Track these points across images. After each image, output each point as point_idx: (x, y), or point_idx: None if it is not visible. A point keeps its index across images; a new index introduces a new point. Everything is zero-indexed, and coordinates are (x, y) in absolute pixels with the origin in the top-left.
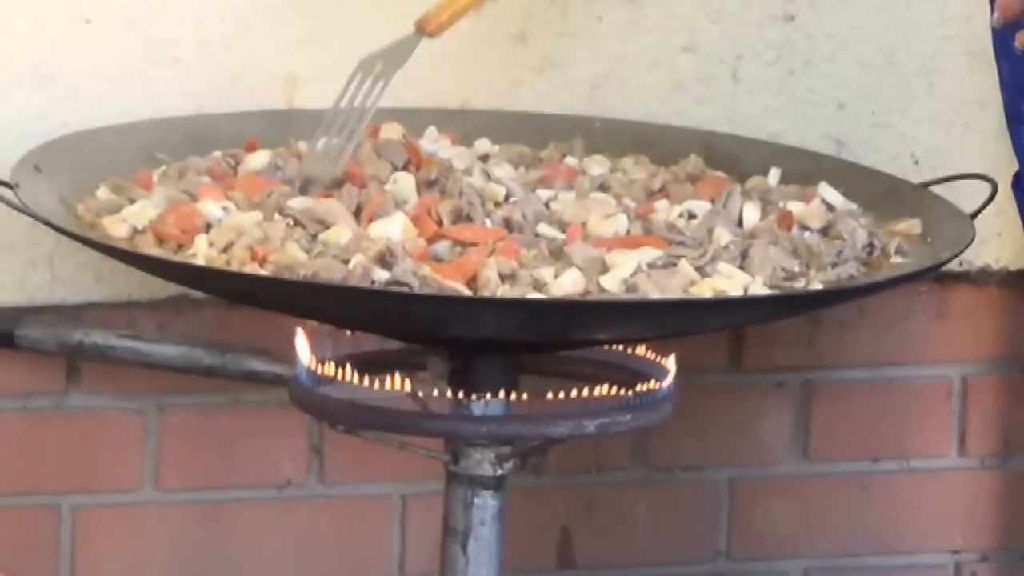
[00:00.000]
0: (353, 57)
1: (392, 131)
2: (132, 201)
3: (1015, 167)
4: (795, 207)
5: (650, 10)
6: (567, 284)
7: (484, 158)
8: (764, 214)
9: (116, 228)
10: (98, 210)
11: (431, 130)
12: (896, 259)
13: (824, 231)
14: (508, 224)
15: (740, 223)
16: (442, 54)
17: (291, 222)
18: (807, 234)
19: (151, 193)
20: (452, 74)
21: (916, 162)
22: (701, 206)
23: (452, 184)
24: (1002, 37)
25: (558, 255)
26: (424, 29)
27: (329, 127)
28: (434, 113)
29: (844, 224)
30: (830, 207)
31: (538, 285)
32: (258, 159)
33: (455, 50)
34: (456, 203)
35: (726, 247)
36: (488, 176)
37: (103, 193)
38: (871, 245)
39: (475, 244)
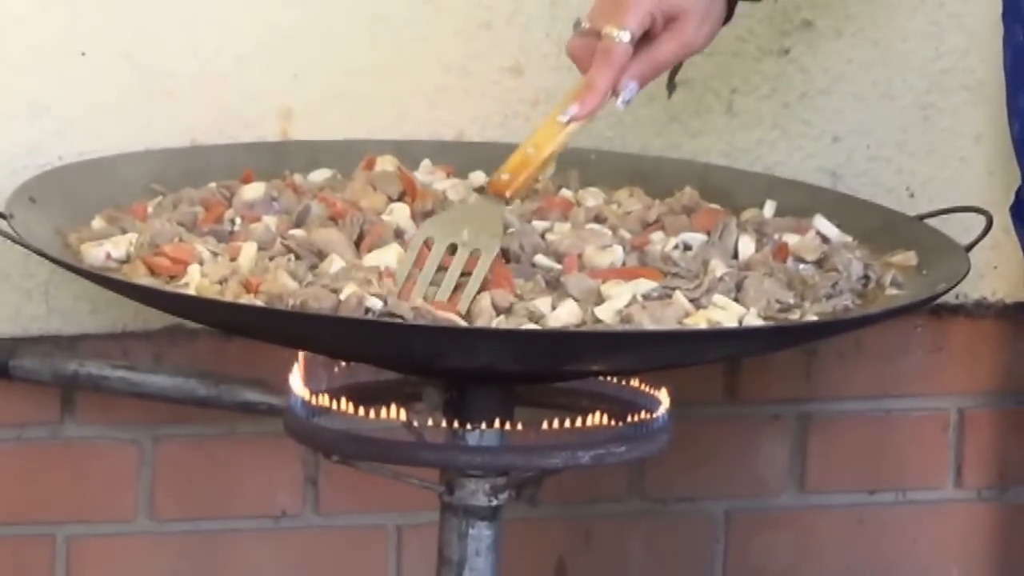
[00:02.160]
0: (348, 90)
1: (387, 163)
2: (124, 232)
3: (1011, 200)
4: (790, 239)
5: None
6: (564, 315)
7: (479, 190)
8: (759, 246)
9: (92, 253)
10: (88, 240)
11: (426, 162)
12: (891, 291)
13: (819, 263)
14: (505, 255)
15: (735, 255)
16: (437, 86)
17: (292, 257)
18: (802, 266)
19: (145, 225)
20: (447, 106)
21: (912, 195)
22: (696, 238)
23: None
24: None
25: (555, 286)
26: (503, 194)
27: (419, 287)
28: (429, 145)
29: (839, 256)
30: (825, 239)
31: (534, 317)
32: (253, 190)
33: (450, 82)
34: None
35: (721, 279)
36: None
37: (98, 224)
38: (867, 277)
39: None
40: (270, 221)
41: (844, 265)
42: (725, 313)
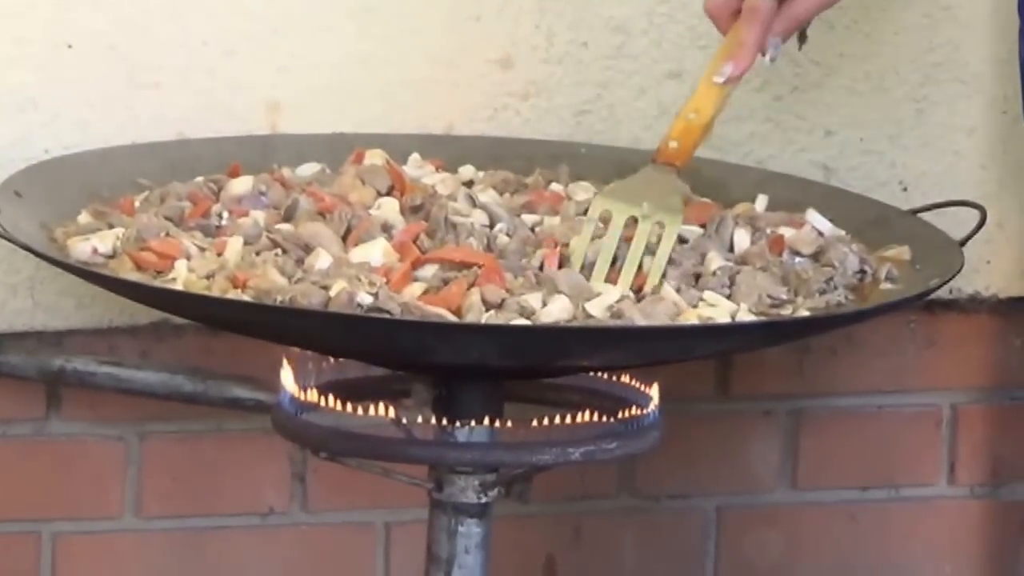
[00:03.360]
0: (336, 83)
1: (375, 157)
2: (111, 226)
3: (1004, 194)
4: (786, 232)
5: (636, 36)
6: (555, 311)
7: (468, 184)
8: (755, 239)
9: (78, 248)
10: (74, 235)
11: (415, 156)
12: (886, 286)
13: (815, 257)
14: (494, 249)
15: (732, 248)
16: (426, 80)
17: (278, 251)
18: (797, 260)
19: (132, 219)
20: (436, 100)
21: (904, 189)
22: (692, 231)
23: (437, 210)
24: None
25: (545, 281)
26: (674, 164)
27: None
28: (418, 139)
29: (835, 250)
30: (819, 233)
31: (525, 312)
32: (241, 184)
33: (439, 75)
34: (443, 234)
35: (715, 273)
36: (473, 202)
37: (84, 218)
38: (862, 271)
39: (466, 265)
40: (258, 216)
41: (840, 260)
42: (716, 310)
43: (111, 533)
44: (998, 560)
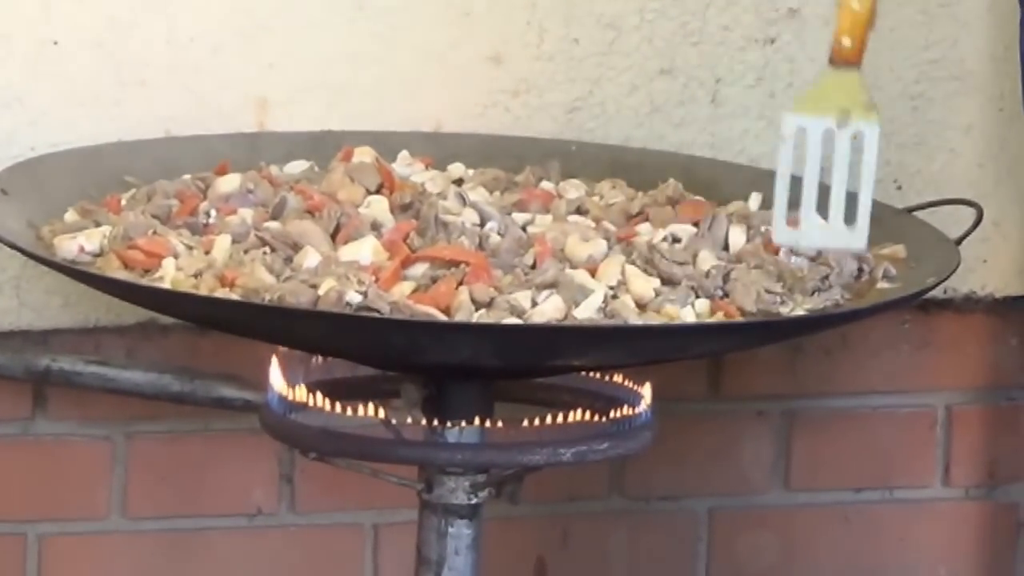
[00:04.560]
0: (324, 80)
1: (364, 155)
2: (98, 225)
3: (1001, 193)
4: None
5: (628, 32)
6: (548, 310)
7: (458, 182)
8: (748, 238)
9: (65, 246)
10: (61, 233)
11: (404, 154)
12: (882, 284)
13: (813, 257)
14: (486, 248)
15: (726, 247)
16: (415, 76)
17: (266, 249)
18: (795, 259)
19: (119, 217)
20: (426, 97)
21: (900, 187)
22: (686, 230)
23: (427, 209)
24: None
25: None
26: (852, 61)
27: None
28: (407, 136)
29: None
30: None
31: (516, 311)
32: (229, 182)
33: (429, 72)
34: (434, 233)
35: (708, 273)
36: (463, 200)
37: (71, 217)
38: (860, 270)
39: (456, 263)
40: (246, 214)
41: (837, 260)
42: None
43: (97, 534)
44: (993, 562)
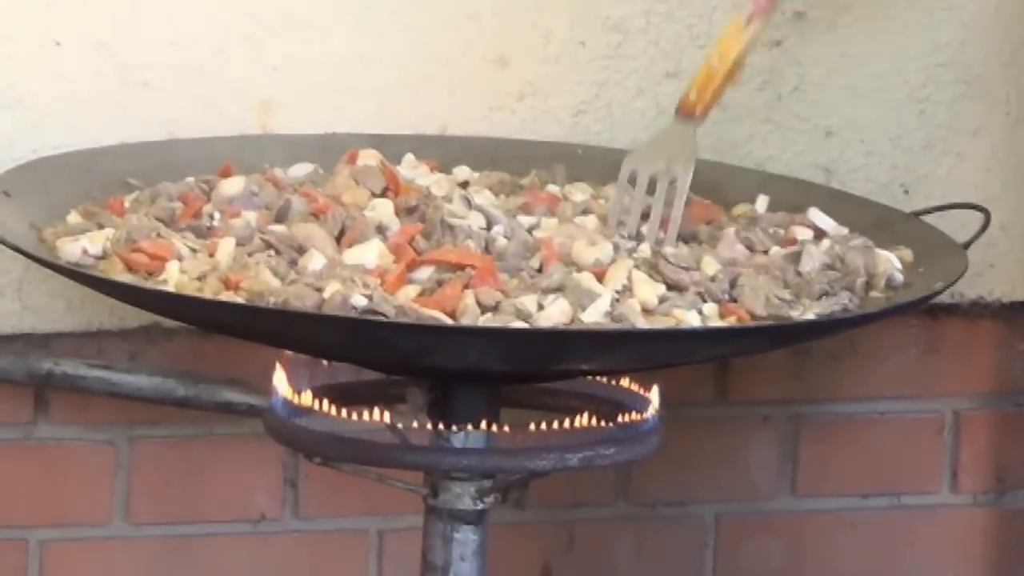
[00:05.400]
0: (329, 82)
1: (369, 157)
2: (101, 227)
3: (1008, 197)
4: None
5: (634, 35)
6: (554, 314)
7: (463, 185)
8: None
9: (68, 249)
10: (63, 235)
11: (409, 157)
12: (889, 291)
13: (831, 265)
14: (492, 251)
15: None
16: (421, 79)
17: (271, 252)
18: (803, 264)
19: (122, 220)
20: (431, 99)
21: (906, 192)
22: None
23: (433, 212)
24: None
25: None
26: (693, 114)
27: (631, 224)
28: (412, 139)
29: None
30: (821, 232)
31: (522, 315)
32: (233, 185)
33: (434, 75)
34: (440, 236)
35: (714, 278)
36: (469, 203)
37: (73, 219)
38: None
39: (462, 267)
40: (250, 216)
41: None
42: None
43: (99, 540)
44: (1001, 569)
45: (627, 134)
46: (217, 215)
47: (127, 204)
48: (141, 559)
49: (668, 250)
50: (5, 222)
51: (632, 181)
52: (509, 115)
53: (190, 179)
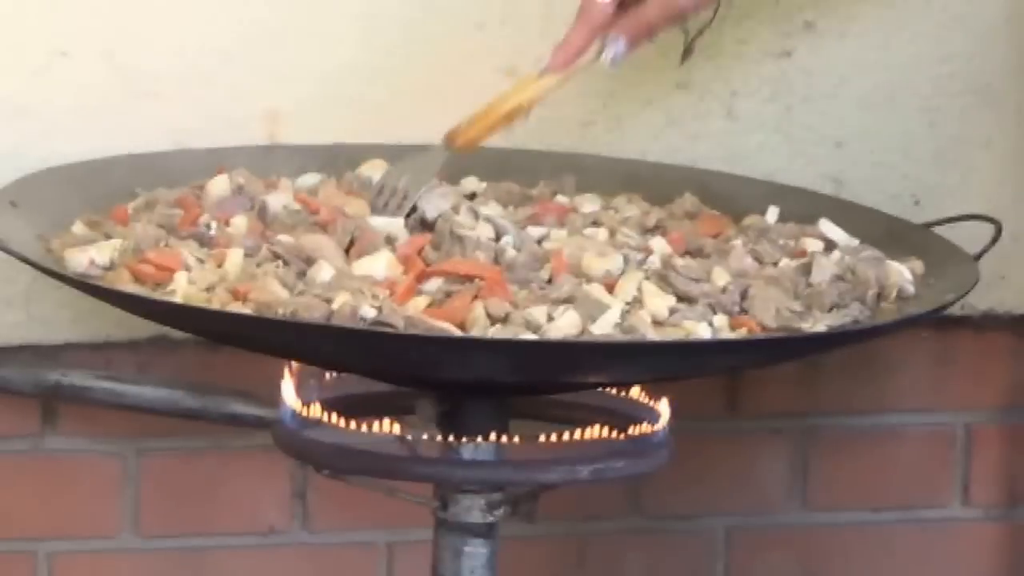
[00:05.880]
0: (337, 91)
1: (376, 167)
2: (108, 237)
3: (1020, 208)
4: (813, 245)
5: (643, 46)
6: (564, 325)
7: (471, 196)
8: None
9: (75, 259)
10: (71, 246)
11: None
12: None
13: (842, 277)
14: (502, 262)
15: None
16: (428, 88)
17: (280, 263)
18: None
19: (127, 229)
20: (439, 109)
21: (917, 203)
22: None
23: (442, 223)
24: None
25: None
26: (453, 144)
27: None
28: (420, 149)
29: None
30: (831, 244)
31: (532, 326)
32: (218, 184)
33: (442, 84)
34: (449, 247)
35: (725, 289)
36: (476, 214)
37: (78, 228)
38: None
39: (472, 278)
40: (240, 221)
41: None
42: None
43: (108, 552)
44: None
45: (636, 144)
46: (214, 225)
47: (130, 211)
48: (149, 572)
49: (678, 262)
50: (12, 232)
51: (381, 192)
52: (517, 125)
53: (184, 187)
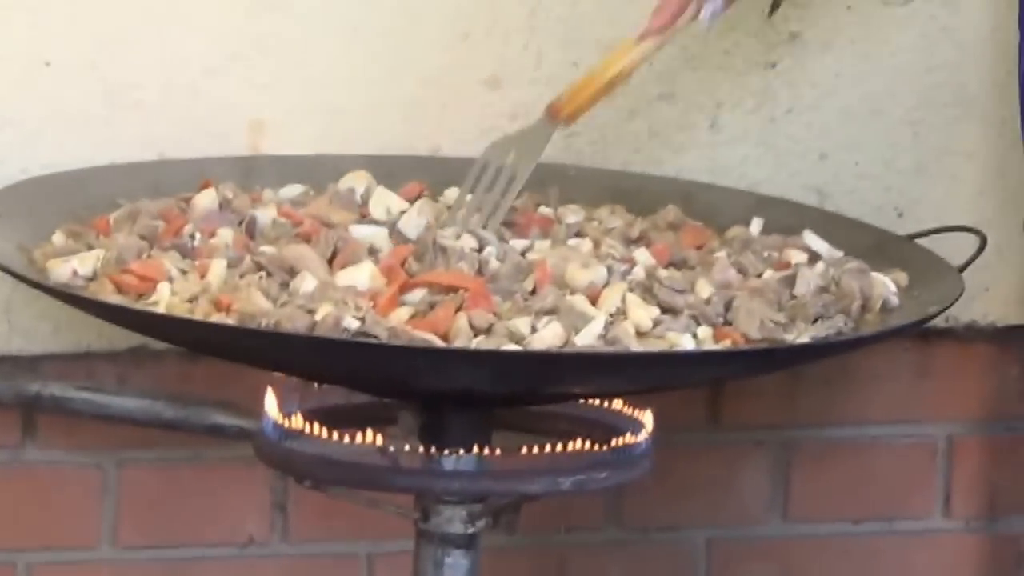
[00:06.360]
0: (320, 102)
1: (359, 179)
2: (89, 247)
3: (1003, 220)
4: (797, 257)
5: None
6: (547, 337)
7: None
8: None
9: (58, 270)
10: (52, 257)
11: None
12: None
13: (826, 289)
14: (485, 273)
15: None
16: (413, 100)
17: (263, 274)
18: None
19: (109, 240)
20: (423, 120)
21: (900, 214)
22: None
23: (425, 234)
24: None
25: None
26: (558, 116)
27: (462, 215)
28: (404, 160)
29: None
30: (815, 255)
31: (515, 337)
32: (205, 197)
33: (426, 96)
34: (432, 257)
35: (709, 300)
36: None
37: (58, 239)
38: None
39: (455, 289)
40: (226, 234)
41: (851, 290)
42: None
43: (87, 563)
44: None
45: (619, 156)
46: (198, 236)
47: (111, 222)
48: None
49: (662, 273)
50: None
51: (484, 170)
52: (501, 136)
53: (168, 199)
